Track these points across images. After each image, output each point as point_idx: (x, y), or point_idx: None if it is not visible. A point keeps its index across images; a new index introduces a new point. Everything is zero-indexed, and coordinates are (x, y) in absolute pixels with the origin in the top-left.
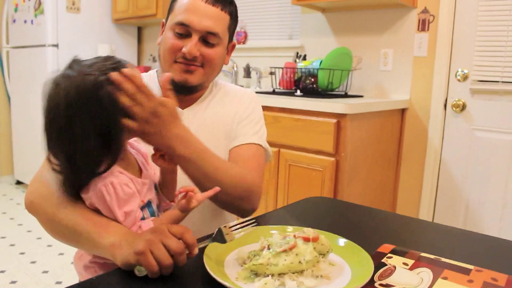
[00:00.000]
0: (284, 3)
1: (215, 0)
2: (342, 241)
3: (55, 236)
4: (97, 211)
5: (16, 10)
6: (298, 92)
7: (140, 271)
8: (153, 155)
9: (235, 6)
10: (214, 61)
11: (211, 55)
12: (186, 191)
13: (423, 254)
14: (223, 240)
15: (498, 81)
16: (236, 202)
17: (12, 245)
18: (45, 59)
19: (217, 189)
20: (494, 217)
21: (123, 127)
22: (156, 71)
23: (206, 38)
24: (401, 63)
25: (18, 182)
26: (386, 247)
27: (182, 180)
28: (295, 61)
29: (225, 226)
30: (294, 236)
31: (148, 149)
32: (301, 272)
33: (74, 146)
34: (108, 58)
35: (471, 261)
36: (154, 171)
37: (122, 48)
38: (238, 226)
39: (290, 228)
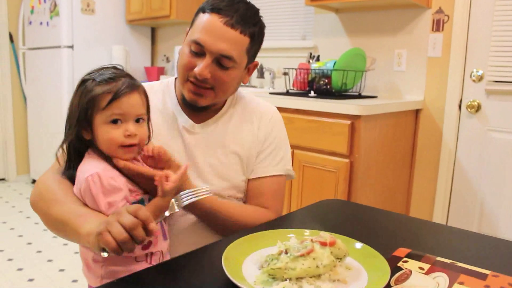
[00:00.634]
0: (297, 4)
1: (236, 22)
2: (358, 245)
3: (51, 229)
4: (85, 204)
5: (32, 12)
6: (312, 93)
7: (104, 252)
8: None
9: (260, 26)
10: (226, 85)
11: (223, 78)
12: (159, 177)
13: (439, 259)
14: (172, 209)
15: None
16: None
17: (29, 243)
18: (60, 60)
19: (187, 165)
20: (510, 220)
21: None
22: (175, 79)
23: (220, 61)
24: (415, 64)
25: (34, 181)
26: (401, 251)
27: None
28: (309, 61)
29: (177, 196)
30: (312, 240)
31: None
32: (318, 276)
33: (69, 116)
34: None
35: (487, 265)
36: None
37: (136, 49)
38: (189, 194)
39: (307, 232)
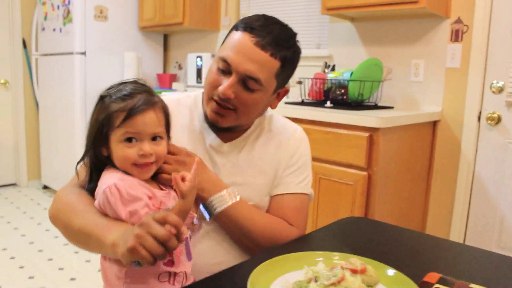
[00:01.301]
0: (312, 12)
1: (267, 43)
2: (390, 272)
3: (73, 242)
4: (106, 215)
5: (45, 18)
6: (328, 104)
7: (139, 264)
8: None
9: (294, 51)
10: (249, 108)
11: (246, 100)
12: (175, 179)
13: (472, 286)
14: (203, 217)
15: None
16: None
17: (40, 251)
18: (72, 66)
19: (198, 160)
20: None
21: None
22: (203, 93)
23: (246, 82)
24: (433, 74)
25: (45, 187)
26: (432, 276)
27: None
28: (324, 71)
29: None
30: (342, 267)
31: None
32: None
33: (88, 132)
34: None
35: None
36: None
37: (148, 56)
38: (219, 201)
39: (336, 256)
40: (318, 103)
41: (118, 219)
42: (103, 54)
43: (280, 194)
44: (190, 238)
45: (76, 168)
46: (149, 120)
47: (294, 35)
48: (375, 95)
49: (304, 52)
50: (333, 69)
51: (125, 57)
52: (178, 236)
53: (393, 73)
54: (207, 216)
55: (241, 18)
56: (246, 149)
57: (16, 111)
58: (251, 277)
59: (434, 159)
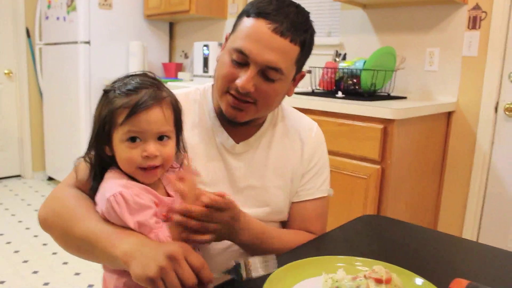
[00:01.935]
0: None
1: (286, 29)
2: (417, 280)
3: (70, 250)
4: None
5: (49, 6)
6: (340, 94)
7: None
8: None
9: (311, 33)
10: (270, 99)
11: (267, 92)
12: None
13: None
14: (239, 276)
15: None
16: None
17: (44, 244)
18: (76, 56)
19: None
20: None
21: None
22: (212, 85)
23: (266, 72)
24: (449, 63)
25: (50, 178)
26: (459, 283)
27: None
28: (335, 60)
29: (243, 261)
30: (365, 276)
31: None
32: None
33: (92, 129)
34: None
35: None
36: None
37: (154, 45)
38: (258, 263)
39: (358, 262)
40: (329, 93)
41: (125, 226)
42: (108, 43)
43: (302, 201)
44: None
45: (74, 163)
46: (154, 117)
47: (308, 15)
48: (388, 85)
49: (314, 40)
50: (344, 58)
51: (130, 46)
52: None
53: (407, 62)
54: (244, 275)
55: (250, 1)
56: (261, 149)
57: (21, 102)
58: (267, 285)
59: (448, 152)
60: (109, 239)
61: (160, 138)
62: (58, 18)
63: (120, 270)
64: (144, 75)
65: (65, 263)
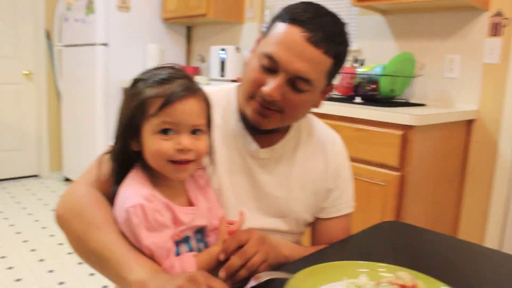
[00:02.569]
0: (341, 4)
1: (321, 40)
2: None
3: (81, 255)
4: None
5: (68, 9)
6: (358, 99)
7: None
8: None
9: (346, 45)
10: (296, 110)
11: (294, 102)
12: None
13: None
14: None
15: None
16: None
17: (60, 244)
18: (94, 58)
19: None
20: None
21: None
22: (237, 88)
23: (295, 82)
24: (469, 70)
25: (67, 179)
26: None
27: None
28: (353, 65)
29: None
30: (390, 282)
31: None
32: None
33: (118, 122)
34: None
35: None
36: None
37: (171, 48)
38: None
39: (382, 268)
40: (347, 98)
41: (134, 243)
42: (126, 45)
43: (330, 218)
44: None
45: (99, 157)
46: (190, 109)
47: (345, 26)
48: (406, 91)
49: None
50: (362, 63)
51: (148, 49)
52: None
53: (426, 69)
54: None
55: (285, 6)
56: (286, 158)
57: (39, 103)
58: None
59: (468, 161)
60: (124, 259)
61: (194, 131)
62: (76, 20)
63: None
64: (172, 67)
65: (80, 263)
